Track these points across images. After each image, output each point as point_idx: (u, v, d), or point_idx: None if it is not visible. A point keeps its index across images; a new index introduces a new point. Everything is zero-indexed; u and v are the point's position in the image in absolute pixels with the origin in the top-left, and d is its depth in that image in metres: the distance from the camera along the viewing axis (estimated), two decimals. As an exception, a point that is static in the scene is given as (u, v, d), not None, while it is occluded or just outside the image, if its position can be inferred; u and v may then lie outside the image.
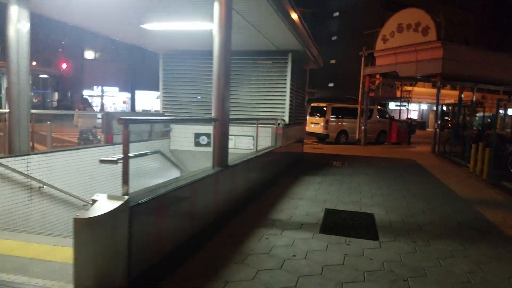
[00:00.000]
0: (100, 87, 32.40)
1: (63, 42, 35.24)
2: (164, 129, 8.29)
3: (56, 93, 32.38)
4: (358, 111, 16.67)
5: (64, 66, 26.12)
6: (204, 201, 3.67)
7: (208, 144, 8.22)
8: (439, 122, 13.29)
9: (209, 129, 8.10)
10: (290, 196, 5.85)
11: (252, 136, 7.96)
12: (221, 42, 4.10)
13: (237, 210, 4.59)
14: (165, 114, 8.57)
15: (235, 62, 8.06)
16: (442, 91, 44.46)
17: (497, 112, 8.71)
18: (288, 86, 7.82)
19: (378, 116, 17.65)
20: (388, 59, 14.82)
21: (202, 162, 8.37)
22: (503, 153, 9.28)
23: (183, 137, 8.33)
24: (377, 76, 16.15)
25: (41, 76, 29.72)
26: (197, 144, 8.28)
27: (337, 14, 46.10)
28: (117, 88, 33.64)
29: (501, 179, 7.67)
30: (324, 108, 16.66)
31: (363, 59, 16.27)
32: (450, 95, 42.85)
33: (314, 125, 17.21)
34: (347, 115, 17.01)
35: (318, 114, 17.05)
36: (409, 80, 16.42)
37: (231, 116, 8.44)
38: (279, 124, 7.73)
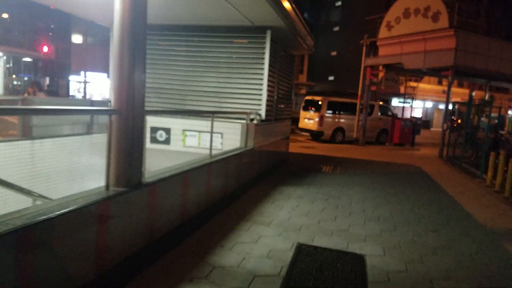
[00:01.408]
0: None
1: (52, 26, 33.43)
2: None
3: (41, 78, 30.71)
4: (357, 107, 15.05)
5: (45, 49, 24.41)
6: (73, 252, 2.12)
7: (166, 141, 6.66)
8: (448, 122, 11.69)
9: (168, 122, 6.57)
10: (254, 219, 4.31)
11: (221, 133, 6.40)
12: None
13: (154, 253, 3.03)
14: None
15: (198, 40, 6.46)
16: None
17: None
18: (265, 72, 6.22)
19: (379, 113, 16.03)
20: (393, 49, 13.16)
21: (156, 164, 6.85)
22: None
23: (138, 132, 6.77)
24: (380, 68, 14.50)
25: (24, 59, 28.08)
26: (154, 140, 6.71)
27: (339, 3, 44.10)
28: (105, 75, 31.93)
29: (529, 198, 6.13)
30: (319, 102, 15.03)
31: (364, 48, 14.59)
32: (456, 93, 40.97)
33: (308, 120, 15.61)
34: (345, 111, 15.39)
35: (312, 109, 15.43)
36: (415, 73, 14.77)
37: (194, 107, 6.99)
38: (252, 120, 6.16)
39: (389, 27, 13.25)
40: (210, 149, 4.41)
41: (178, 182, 3.37)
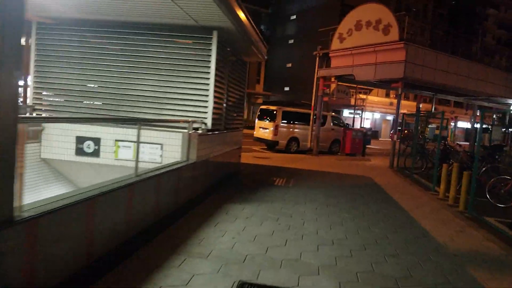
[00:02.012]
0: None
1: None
2: (30, 128, 5.67)
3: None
4: (311, 117, 14.92)
5: None
6: None
7: (95, 153, 5.73)
8: (397, 132, 11.82)
9: (98, 131, 5.66)
10: (189, 251, 3.59)
11: (161, 144, 5.62)
12: None
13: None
14: (35, 108, 5.91)
15: (135, 39, 5.68)
16: (394, 101, 44.53)
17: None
18: (212, 77, 5.57)
19: (332, 124, 16.05)
20: (345, 60, 13.20)
21: (82, 179, 5.89)
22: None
23: (62, 141, 5.77)
24: (332, 79, 14.51)
25: None
26: (80, 152, 5.75)
27: (294, 17, 45.04)
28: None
29: (481, 212, 6.04)
30: (274, 112, 14.68)
31: (317, 59, 14.55)
32: (402, 105, 43.58)
33: (263, 130, 15.18)
34: (299, 121, 15.19)
35: (267, 118, 15.04)
36: (366, 85, 14.99)
37: (130, 114, 6.10)
38: (196, 129, 5.46)
39: (341, 39, 13.29)
40: (136, 165, 3.63)
41: (78, 213, 2.57)
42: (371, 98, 38.58)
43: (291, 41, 45.47)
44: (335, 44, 13.56)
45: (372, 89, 38.34)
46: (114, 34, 5.67)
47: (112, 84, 5.77)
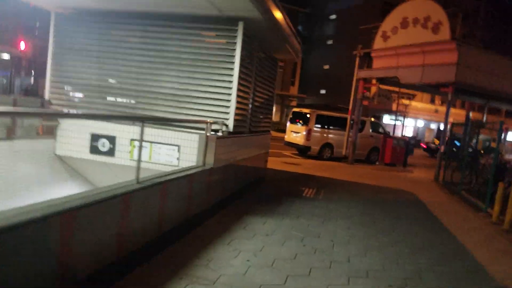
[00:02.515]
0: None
1: (31, 23, 32.09)
2: (44, 123, 5.43)
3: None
4: (348, 122, 13.97)
5: (22, 45, 22.90)
6: None
7: (110, 152, 5.37)
8: (445, 143, 10.63)
9: (115, 128, 5.30)
10: (193, 274, 3.03)
11: (178, 146, 5.14)
12: None
13: None
14: (51, 102, 5.67)
15: (155, 31, 5.25)
16: (440, 108, 42.02)
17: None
18: (236, 74, 5.01)
19: (371, 130, 14.97)
20: (388, 61, 12.17)
21: (99, 178, 5.57)
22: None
23: (77, 137, 5.47)
24: (373, 81, 13.50)
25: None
26: (95, 150, 5.41)
27: (334, 16, 43.70)
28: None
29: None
30: (308, 115, 13.91)
31: (357, 59, 13.59)
32: (451, 114, 40.71)
33: (295, 134, 14.45)
34: (334, 126, 14.30)
35: (300, 122, 14.30)
36: (410, 89, 13.78)
37: (147, 112, 5.65)
38: (216, 131, 4.93)
39: (385, 37, 12.27)
40: (137, 169, 3.13)
41: (50, 229, 2.09)
42: (414, 104, 36.38)
43: (329, 42, 44.18)
44: (378, 42, 12.56)
45: (416, 94, 36.18)
46: (134, 26, 5.28)
47: (130, 79, 5.38)
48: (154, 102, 5.31)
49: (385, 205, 6.74)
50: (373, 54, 12.92)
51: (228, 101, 5.06)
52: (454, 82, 10.07)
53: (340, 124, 14.39)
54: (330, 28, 44.80)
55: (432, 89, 13.56)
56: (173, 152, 5.21)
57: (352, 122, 13.82)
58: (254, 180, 6.76)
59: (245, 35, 5.00)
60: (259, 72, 6.16)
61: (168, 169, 4.61)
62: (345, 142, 13.94)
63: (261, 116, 6.61)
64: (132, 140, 5.31)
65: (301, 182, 7.94)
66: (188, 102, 5.17)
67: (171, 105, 5.26)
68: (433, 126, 40.97)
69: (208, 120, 4.69)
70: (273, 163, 10.38)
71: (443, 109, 40.65)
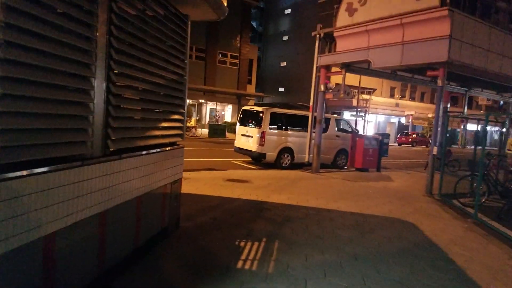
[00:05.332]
0: None
1: None
2: None
3: None
4: (309, 120, 11.20)
5: None
6: None
7: None
8: (439, 143, 8.08)
9: None
10: None
11: None
12: None
13: None
14: None
15: None
16: (400, 102, 41.13)
17: None
18: (102, 40, 1.83)
19: (336, 129, 12.35)
20: (356, 41, 9.51)
21: None
22: None
23: None
24: (336, 69, 10.81)
25: None
26: None
27: (288, 11, 41.50)
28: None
29: None
30: (261, 114, 10.96)
31: (317, 43, 10.83)
32: (410, 107, 39.87)
33: (246, 138, 11.43)
34: (294, 126, 11.47)
35: (252, 123, 11.32)
36: (384, 77, 11.23)
37: None
38: None
39: (351, 10, 9.59)
40: None
41: None
42: (374, 98, 34.97)
43: (285, 38, 41.91)
44: (343, 18, 9.85)
45: (376, 89, 34.75)
46: None
47: None
48: None
49: (381, 267, 3.86)
50: (336, 34, 10.22)
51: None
52: (447, 61, 7.56)
53: (300, 123, 11.58)
54: (285, 23, 42.58)
55: (415, 75, 11.09)
56: None
57: (314, 120, 11.07)
58: (148, 239, 3.55)
59: None
60: (152, 38, 3.06)
61: None
62: (307, 145, 11.15)
63: (151, 117, 3.44)
64: None
65: (242, 225, 4.84)
66: None
67: None
68: (394, 120, 40.02)
69: None
70: (211, 183, 7.26)
71: (403, 102, 39.71)
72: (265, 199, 6.40)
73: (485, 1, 8.48)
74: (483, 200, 6.70)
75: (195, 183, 7.12)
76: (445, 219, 6.09)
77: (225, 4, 4.25)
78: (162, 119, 3.64)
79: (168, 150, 3.72)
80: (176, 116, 3.97)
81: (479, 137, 9.60)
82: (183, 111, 4.08)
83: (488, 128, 7.89)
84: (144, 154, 3.20)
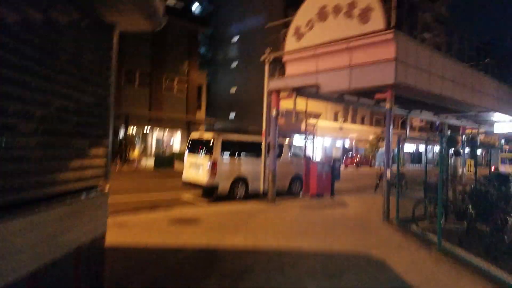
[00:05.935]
0: None
1: None
2: None
3: None
4: (263, 146, 10.69)
5: None
6: None
7: None
8: (392, 165, 7.93)
9: None
10: None
11: None
12: None
13: None
14: None
15: None
16: (344, 126, 42.62)
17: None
18: None
19: (289, 155, 11.99)
20: (305, 65, 9.34)
21: None
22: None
23: None
24: (286, 94, 10.55)
25: None
26: None
27: (237, 38, 42.07)
28: None
29: None
30: (211, 142, 10.22)
31: (266, 67, 10.57)
32: (353, 130, 41.59)
33: (195, 169, 10.56)
34: (247, 153, 10.88)
35: (201, 151, 10.52)
36: (335, 102, 11.18)
37: None
38: None
39: (299, 35, 9.46)
40: None
41: None
42: (320, 123, 35.93)
43: (234, 64, 42.17)
44: (291, 42, 9.69)
45: (321, 113, 35.78)
46: None
47: None
48: None
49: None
50: (285, 58, 10.02)
51: None
52: (393, 84, 7.54)
53: (253, 150, 11.02)
54: (233, 50, 42.95)
55: (364, 99, 11.11)
56: None
57: (268, 146, 10.58)
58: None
59: None
60: (64, 50, 2.27)
61: None
62: (262, 173, 10.57)
63: (56, 155, 2.58)
64: None
65: (190, 287, 3.97)
66: None
67: None
68: (339, 143, 41.34)
69: None
70: (152, 227, 6.27)
71: (347, 126, 41.43)
72: (219, 243, 5.56)
73: (425, 25, 8.77)
74: (442, 224, 6.51)
75: (132, 230, 6.06)
76: (412, 251, 5.72)
77: (161, 13, 3.58)
78: (75, 157, 2.78)
79: (83, 199, 2.84)
80: (97, 151, 3.12)
81: (417, 157, 9.71)
82: (106, 143, 3.25)
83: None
84: (41, 210, 2.31)
